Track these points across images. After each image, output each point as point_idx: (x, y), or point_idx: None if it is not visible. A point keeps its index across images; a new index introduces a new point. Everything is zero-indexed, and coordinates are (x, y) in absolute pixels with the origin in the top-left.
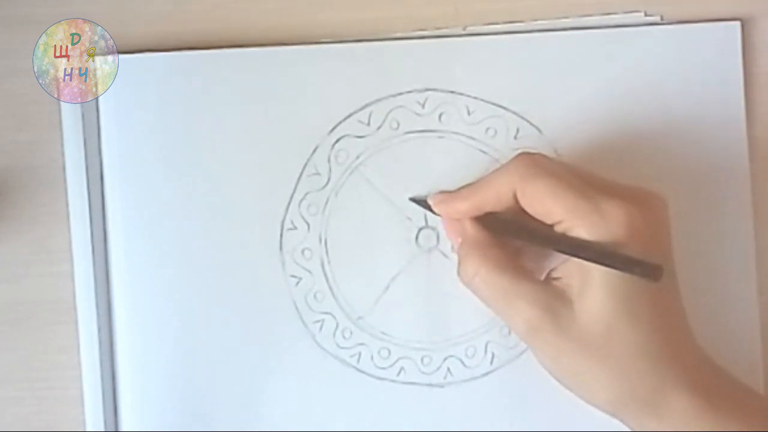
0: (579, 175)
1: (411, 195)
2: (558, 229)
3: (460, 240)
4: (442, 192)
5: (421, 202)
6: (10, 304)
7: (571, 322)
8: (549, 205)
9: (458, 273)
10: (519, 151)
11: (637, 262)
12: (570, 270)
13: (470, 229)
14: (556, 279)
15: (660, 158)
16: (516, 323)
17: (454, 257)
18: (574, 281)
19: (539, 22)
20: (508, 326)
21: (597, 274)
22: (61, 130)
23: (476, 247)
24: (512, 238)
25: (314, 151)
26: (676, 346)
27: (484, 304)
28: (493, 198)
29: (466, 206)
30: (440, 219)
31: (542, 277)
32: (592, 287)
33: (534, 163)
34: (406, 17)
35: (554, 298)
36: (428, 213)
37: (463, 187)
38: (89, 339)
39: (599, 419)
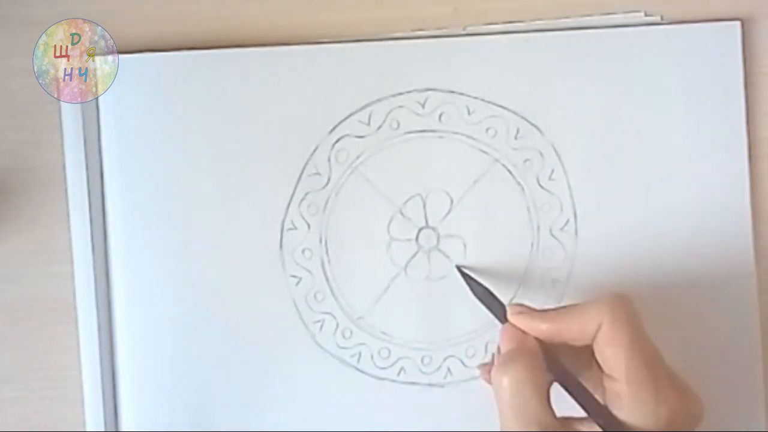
0: (652, 347)
1: (463, 268)
2: (609, 386)
3: (513, 345)
4: (522, 305)
5: (481, 294)
6: (10, 304)
7: None
8: (620, 357)
9: (496, 368)
10: (614, 291)
11: None
12: (595, 428)
13: (532, 341)
14: (575, 427)
15: (659, 158)
16: None
17: (454, 257)
18: None
19: (539, 22)
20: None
21: None
22: (61, 130)
23: (528, 357)
24: (561, 383)
25: (314, 151)
26: None
27: (497, 404)
28: (578, 327)
29: (546, 327)
30: (501, 327)
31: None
32: None
33: (628, 307)
34: (406, 17)
35: None
36: (428, 213)
37: (548, 309)
38: (89, 339)
39: None
